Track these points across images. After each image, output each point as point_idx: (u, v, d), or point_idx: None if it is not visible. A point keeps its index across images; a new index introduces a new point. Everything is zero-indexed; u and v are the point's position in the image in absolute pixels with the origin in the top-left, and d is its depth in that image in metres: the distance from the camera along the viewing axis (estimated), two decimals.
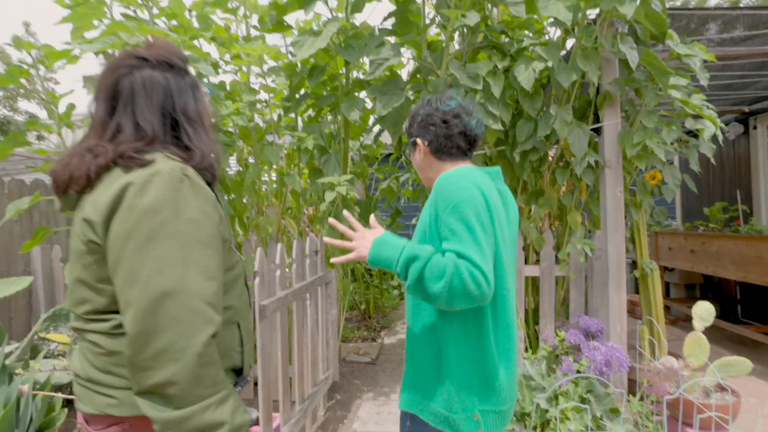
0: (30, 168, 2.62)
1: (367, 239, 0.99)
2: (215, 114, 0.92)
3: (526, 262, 2.62)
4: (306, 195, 2.63)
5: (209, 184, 0.84)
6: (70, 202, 0.78)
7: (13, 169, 5.73)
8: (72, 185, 0.75)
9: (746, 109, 4.26)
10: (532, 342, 2.72)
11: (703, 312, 2.08)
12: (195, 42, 2.44)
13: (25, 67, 2.40)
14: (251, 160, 2.95)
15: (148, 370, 0.65)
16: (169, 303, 0.66)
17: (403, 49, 2.41)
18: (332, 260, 1.02)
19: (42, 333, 2.54)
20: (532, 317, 2.74)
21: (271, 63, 2.73)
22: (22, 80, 2.35)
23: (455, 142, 1.07)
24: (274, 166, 3.35)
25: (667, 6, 2.09)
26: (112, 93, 0.79)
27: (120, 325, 0.73)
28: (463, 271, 0.86)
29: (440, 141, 1.08)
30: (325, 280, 2.66)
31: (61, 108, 2.59)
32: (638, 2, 1.81)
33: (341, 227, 1.05)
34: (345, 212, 1.10)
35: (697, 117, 2.10)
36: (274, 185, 2.91)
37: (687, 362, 2.09)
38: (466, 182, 0.96)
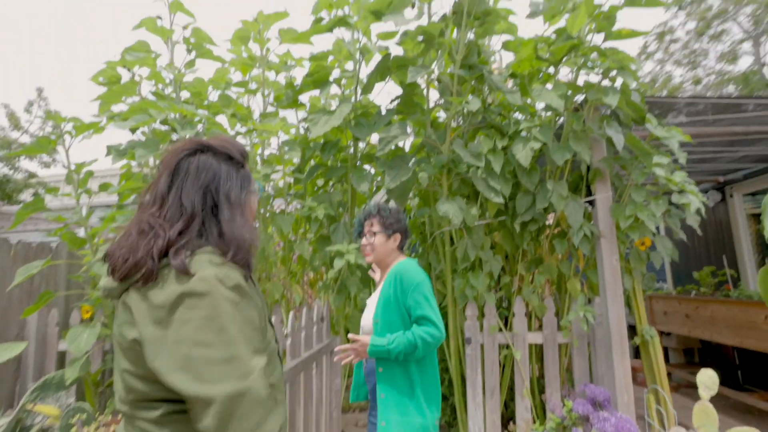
0: (39, 230, 2.67)
1: (361, 351, 1.58)
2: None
3: (529, 328, 2.66)
4: (314, 262, 2.70)
5: (245, 276, 0.84)
6: (118, 289, 0.80)
7: (15, 227, 5.71)
8: (135, 273, 0.77)
9: (721, 178, 4.57)
10: (538, 412, 2.67)
11: (708, 380, 2.11)
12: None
13: (54, 137, 2.56)
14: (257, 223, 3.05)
15: None
16: (242, 401, 0.69)
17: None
18: (336, 359, 1.67)
19: (29, 404, 2.43)
20: (537, 386, 2.72)
21: (284, 136, 2.92)
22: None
23: (404, 245, 1.82)
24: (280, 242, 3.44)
25: (645, 95, 2.36)
26: (173, 171, 0.87)
27: (170, 413, 0.75)
28: (424, 335, 1.52)
29: (404, 241, 1.80)
30: (330, 348, 2.64)
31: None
32: (619, 94, 2.05)
33: (342, 356, 1.65)
34: (350, 335, 1.65)
35: (681, 192, 2.28)
36: (281, 251, 2.98)
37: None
38: (420, 270, 1.67)
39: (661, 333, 4.37)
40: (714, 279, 4.07)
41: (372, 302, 1.79)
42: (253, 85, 2.84)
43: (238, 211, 0.90)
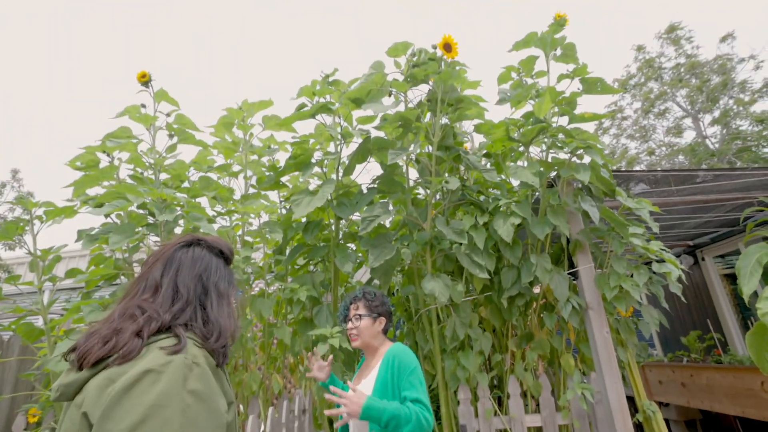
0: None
1: (355, 402, 1.42)
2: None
3: (525, 410, 2.50)
4: (295, 347, 2.54)
5: (218, 364, 0.84)
6: (79, 382, 0.73)
7: None
8: (114, 353, 0.73)
9: (691, 243, 4.76)
10: None
11: None
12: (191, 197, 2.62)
13: (21, 224, 2.45)
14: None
15: None
16: None
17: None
18: (326, 412, 1.49)
19: None
20: None
21: (265, 216, 2.91)
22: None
23: (389, 327, 1.83)
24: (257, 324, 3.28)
25: (612, 168, 2.50)
26: (167, 260, 0.92)
27: None
28: (420, 416, 1.45)
29: (388, 325, 1.81)
30: None
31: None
32: (590, 170, 2.17)
33: (335, 398, 1.44)
34: (332, 387, 1.50)
35: (660, 261, 2.33)
36: (260, 335, 2.80)
37: None
38: (414, 355, 1.66)
39: (660, 404, 4.20)
40: (702, 343, 4.05)
41: (362, 387, 1.68)
42: (236, 167, 2.88)
43: (225, 301, 0.94)
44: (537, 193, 2.65)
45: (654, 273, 2.37)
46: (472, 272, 2.23)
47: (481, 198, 2.62)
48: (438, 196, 2.80)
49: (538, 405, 2.52)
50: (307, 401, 2.40)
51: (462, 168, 2.87)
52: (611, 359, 2.25)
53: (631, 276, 2.28)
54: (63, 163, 2.74)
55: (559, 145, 2.34)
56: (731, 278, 4.70)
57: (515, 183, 2.81)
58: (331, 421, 2.96)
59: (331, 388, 1.50)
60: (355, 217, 3.18)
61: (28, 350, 3.30)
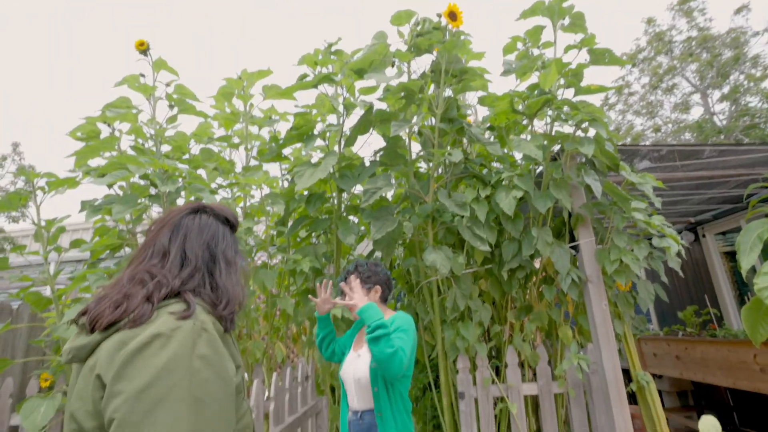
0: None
1: (362, 300, 1.65)
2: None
3: (523, 379, 2.56)
4: (297, 317, 2.59)
5: (225, 330, 0.85)
6: (91, 345, 0.76)
7: None
8: (125, 317, 0.74)
9: (692, 219, 4.76)
10: None
11: (710, 428, 2.04)
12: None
13: (23, 194, 2.46)
14: None
15: None
16: None
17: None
18: (336, 300, 1.83)
19: None
20: None
21: (266, 189, 2.90)
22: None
23: (388, 295, 1.92)
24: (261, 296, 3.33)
25: (617, 143, 2.47)
26: (174, 227, 0.92)
27: None
28: (400, 352, 1.53)
29: (386, 293, 1.89)
30: (316, 410, 2.47)
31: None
32: (594, 144, 2.15)
33: (346, 287, 1.75)
34: (342, 283, 1.80)
35: (661, 236, 2.34)
36: (263, 306, 2.86)
37: None
38: (413, 324, 1.74)
39: (653, 376, 4.31)
40: (698, 318, 4.11)
41: (364, 353, 1.77)
42: (236, 140, 2.85)
43: (233, 268, 0.95)
44: (540, 167, 2.64)
45: (654, 248, 2.38)
46: (473, 245, 2.24)
47: (484, 171, 2.61)
48: (440, 170, 2.78)
49: (534, 375, 2.59)
50: (309, 368, 2.47)
51: (465, 141, 2.84)
52: (608, 331, 2.29)
53: (632, 250, 2.29)
54: (64, 134, 2.73)
55: (564, 117, 2.30)
56: (730, 255, 4.73)
57: (518, 156, 2.79)
58: (333, 389, 3.05)
59: (345, 288, 1.72)
60: (357, 190, 3.17)
61: (36, 319, 3.37)
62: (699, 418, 4.10)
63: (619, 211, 2.38)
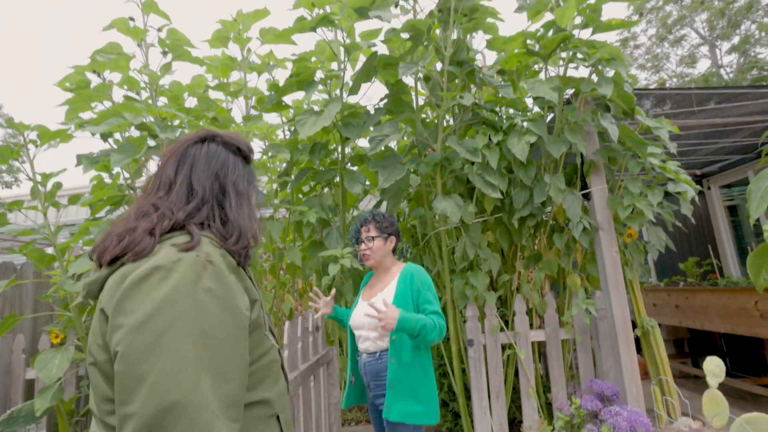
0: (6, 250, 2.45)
1: (391, 317, 1.53)
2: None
3: (531, 327, 2.60)
4: (305, 269, 2.57)
5: (239, 264, 0.80)
6: (101, 279, 0.72)
7: None
8: (129, 251, 0.70)
9: (698, 171, 4.70)
10: (543, 412, 2.60)
11: (715, 368, 2.09)
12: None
13: (15, 147, 2.36)
14: None
15: None
16: (175, 418, 0.57)
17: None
18: (367, 329, 1.73)
19: None
20: (540, 385, 2.66)
21: (265, 143, 2.80)
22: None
23: (397, 246, 1.92)
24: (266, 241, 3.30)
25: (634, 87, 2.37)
26: (180, 157, 0.84)
27: None
28: (441, 325, 1.61)
29: (398, 244, 1.91)
30: (327, 359, 2.51)
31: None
32: (613, 84, 2.04)
33: (377, 308, 1.57)
34: (370, 302, 1.65)
35: (673, 181, 2.29)
36: (269, 261, 2.84)
37: (707, 421, 2.05)
38: (427, 274, 1.77)
39: None
40: (699, 269, 4.15)
41: (378, 299, 1.76)
42: (234, 89, 2.72)
43: (245, 201, 0.87)
44: (551, 114, 2.54)
45: (668, 193, 2.33)
46: (484, 192, 2.19)
47: (494, 119, 2.51)
48: (448, 119, 2.68)
49: (542, 323, 2.62)
50: (319, 320, 2.48)
51: (473, 88, 2.71)
52: (618, 278, 2.29)
53: (645, 196, 2.25)
54: (52, 85, 2.58)
55: (581, 57, 2.18)
56: (734, 209, 4.72)
57: (529, 103, 2.68)
58: (340, 341, 3.10)
59: (368, 304, 1.61)
60: (361, 144, 3.08)
61: (41, 276, 3.36)
62: (693, 364, 4.23)
63: (633, 156, 2.31)
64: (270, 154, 2.72)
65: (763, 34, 12.16)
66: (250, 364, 0.76)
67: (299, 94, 4.07)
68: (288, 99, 2.88)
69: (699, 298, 3.61)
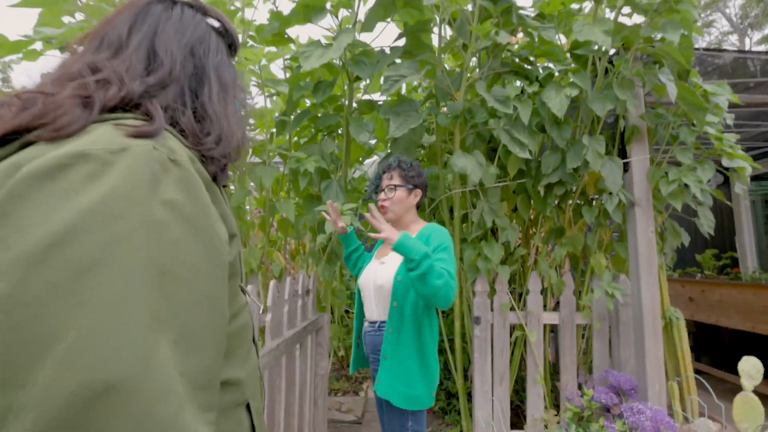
0: None
1: (393, 232, 1.31)
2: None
3: (545, 307, 2.35)
4: (299, 225, 2.29)
5: (215, 178, 0.53)
6: None
7: None
8: (38, 121, 0.40)
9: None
10: (549, 400, 2.40)
11: (751, 369, 1.86)
12: None
13: None
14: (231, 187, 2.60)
15: None
16: (111, 408, 0.30)
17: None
18: (370, 234, 1.35)
19: None
20: (548, 371, 2.44)
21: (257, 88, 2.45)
22: None
23: (423, 202, 1.65)
24: (257, 195, 3.00)
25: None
26: (139, 12, 0.55)
27: None
28: (449, 281, 1.29)
29: (422, 199, 1.62)
30: (317, 326, 2.27)
31: None
32: (680, 30, 1.70)
33: (375, 213, 1.35)
34: (371, 206, 1.35)
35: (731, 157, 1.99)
36: (258, 216, 2.55)
37: (729, 426, 1.84)
38: (450, 237, 1.47)
39: None
40: (717, 262, 3.91)
41: (389, 261, 1.51)
42: (231, 7, 2.34)
43: (230, 97, 0.60)
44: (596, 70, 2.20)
45: (721, 168, 2.04)
46: (512, 150, 1.88)
47: (528, 67, 2.17)
48: (473, 67, 2.34)
49: (556, 305, 2.38)
50: (311, 282, 2.23)
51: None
52: (652, 261, 2.02)
53: (695, 170, 1.95)
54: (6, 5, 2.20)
55: None
56: (760, 204, 4.43)
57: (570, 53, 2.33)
58: (333, 307, 2.86)
59: (373, 212, 1.34)
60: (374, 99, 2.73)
61: None
62: (696, 359, 4.05)
63: (686, 124, 1.99)
64: (266, 93, 2.38)
65: None
66: None
67: (304, 36, 3.65)
68: (292, 34, 2.52)
69: (718, 292, 3.38)
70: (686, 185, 1.94)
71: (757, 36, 12.49)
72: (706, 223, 2.02)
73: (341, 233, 1.75)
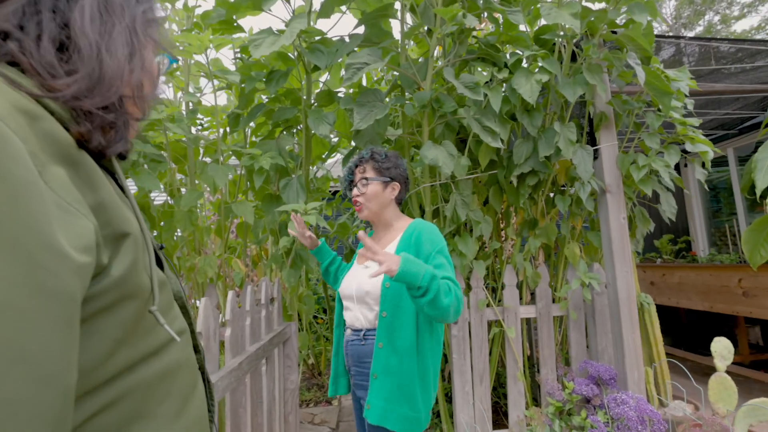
0: None
1: (392, 259, 1.07)
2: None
3: (521, 301, 2.30)
4: (258, 229, 2.10)
5: (92, 148, 0.38)
6: None
7: None
8: None
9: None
10: (529, 396, 2.35)
11: (723, 349, 1.88)
12: None
13: None
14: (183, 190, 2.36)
15: None
16: None
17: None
18: (370, 275, 1.08)
19: None
20: (527, 366, 2.39)
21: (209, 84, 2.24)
22: None
23: (403, 197, 1.46)
24: (212, 198, 2.77)
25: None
26: None
27: None
28: (458, 294, 1.15)
29: (402, 194, 1.45)
30: (284, 337, 2.09)
31: None
32: (647, 12, 1.68)
33: (369, 242, 1.08)
34: (361, 233, 1.10)
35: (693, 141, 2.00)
36: (213, 221, 2.33)
37: (715, 408, 1.85)
38: (440, 233, 1.34)
39: None
40: (674, 246, 4.06)
41: (375, 265, 1.34)
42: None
43: (122, 22, 0.43)
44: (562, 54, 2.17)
45: (685, 153, 2.05)
46: (483, 140, 1.80)
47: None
48: (437, 55, 2.24)
49: (532, 297, 2.33)
50: (275, 289, 2.04)
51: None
52: (625, 247, 2.01)
53: (662, 155, 1.95)
54: None
55: None
56: (710, 188, 4.67)
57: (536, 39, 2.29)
58: (299, 315, 2.68)
59: (366, 241, 1.08)
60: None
61: None
62: None
63: (652, 110, 1.99)
64: (216, 87, 2.17)
65: (724, 25, 12.48)
66: (117, 376, 0.33)
67: (254, 25, 3.44)
68: (246, 26, 2.32)
69: (677, 275, 3.50)
70: (656, 171, 1.93)
71: (689, 35, 13.39)
72: (669, 209, 2.02)
73: (312, 247, 1.60)
